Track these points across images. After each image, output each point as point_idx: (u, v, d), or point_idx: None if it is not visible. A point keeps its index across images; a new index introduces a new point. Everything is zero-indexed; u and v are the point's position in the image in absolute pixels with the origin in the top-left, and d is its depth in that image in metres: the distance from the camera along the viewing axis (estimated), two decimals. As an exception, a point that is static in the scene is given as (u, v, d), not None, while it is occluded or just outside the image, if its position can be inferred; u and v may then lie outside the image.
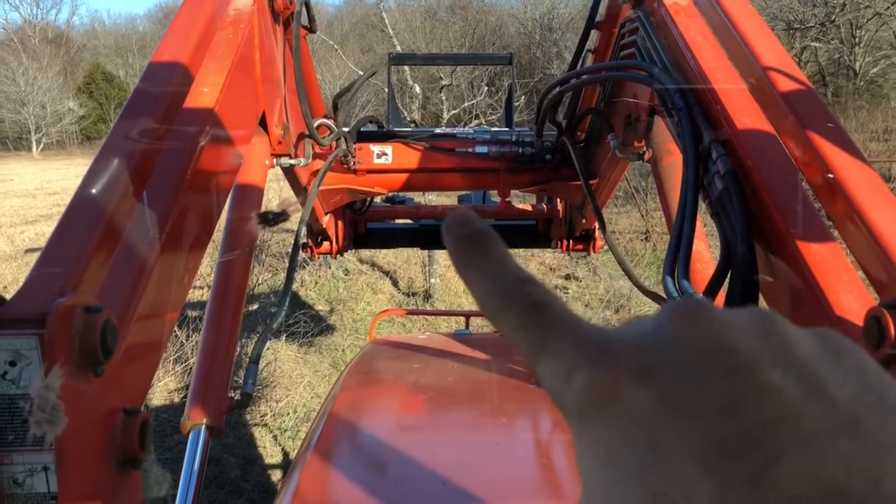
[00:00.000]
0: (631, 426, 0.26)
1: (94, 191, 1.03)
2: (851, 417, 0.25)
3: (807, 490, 0.22)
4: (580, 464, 0.28)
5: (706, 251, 1.77)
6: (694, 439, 0.24)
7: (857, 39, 22.77)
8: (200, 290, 8.32)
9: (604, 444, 0.27)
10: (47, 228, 14.26)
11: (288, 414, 7.23)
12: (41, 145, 39.15)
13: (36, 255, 0.93)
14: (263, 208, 1.89)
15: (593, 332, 0.30)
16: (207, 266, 6.14)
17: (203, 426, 1.44)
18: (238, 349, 1.63)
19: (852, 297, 1.02)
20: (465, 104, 16.47)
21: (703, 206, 1.34)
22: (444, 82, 16.16)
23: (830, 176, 1.10)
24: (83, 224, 0.97)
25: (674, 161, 1.92)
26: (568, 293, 10.79)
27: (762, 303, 1.19)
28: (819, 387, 0.26)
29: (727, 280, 1.19)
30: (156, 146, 1.17)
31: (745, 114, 1.29)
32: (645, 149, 2.06)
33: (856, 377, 0.27)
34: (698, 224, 1.35)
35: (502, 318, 0.32)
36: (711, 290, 1.19)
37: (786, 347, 0.27)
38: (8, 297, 0.85)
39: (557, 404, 0.30)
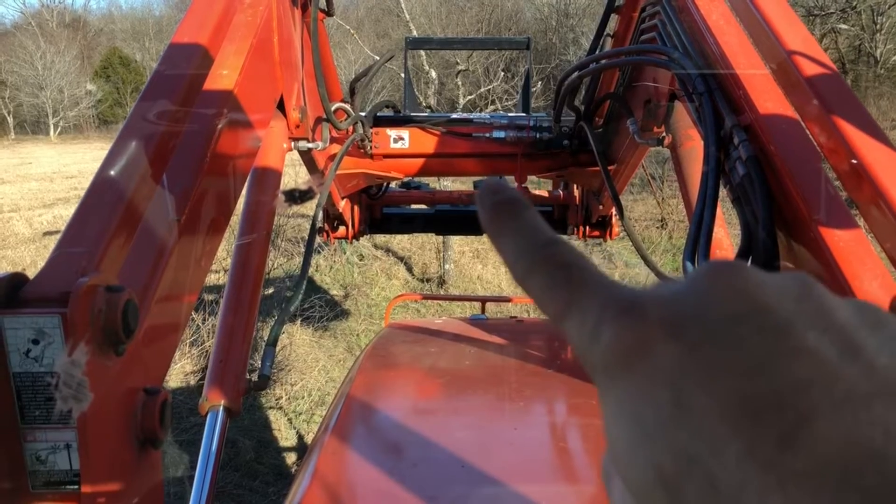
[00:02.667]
0: (658, 383, 0.25)
1: (114, 172, 1.03)
2: (889, 383, 0.24)
3: (840, 452, 0.22)
4: (606, 423, 0.27)
5: (726, 238, 1.76)
6: (723, 397, 0.24)
7: (878, 26, 22.42)
8: (217, 273, 8.38)
9: (630, 402, 0.26)
10: (65, 212, 14.39)
11: (303, 397, 7.28)
12: (59, 129, 39.29)
13: (54, 237, 0.93)
14: (281, 192, 1.89)
15: (622, 290, 0.29)
16: (224, 250, 6.17)
17: (221, 407, 1.45)
18: (255, 332, 1.63)
19: (877, 285, 1.01)
20: (482, 90, 16.42)
21: (722, 193, 1.32)
22: (460, 67, 16.12)
23: (855, 161, 1.09)
24: (104, 205, 0.97)
25: (694, 146, 1.91)
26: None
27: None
28: (856, 352, 0.25)
29: None
30: (175, 128, 1.17)
31: (768, 98, 1.27)
32: (664, 134, 2.04)
33: (895, 347, 0.26)
34: (718, 210, 1.33)
35: (530, 281, 0.31)
36: None
37: (823, 311, 0.26)
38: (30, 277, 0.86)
39: (585, 363, 0.29)
